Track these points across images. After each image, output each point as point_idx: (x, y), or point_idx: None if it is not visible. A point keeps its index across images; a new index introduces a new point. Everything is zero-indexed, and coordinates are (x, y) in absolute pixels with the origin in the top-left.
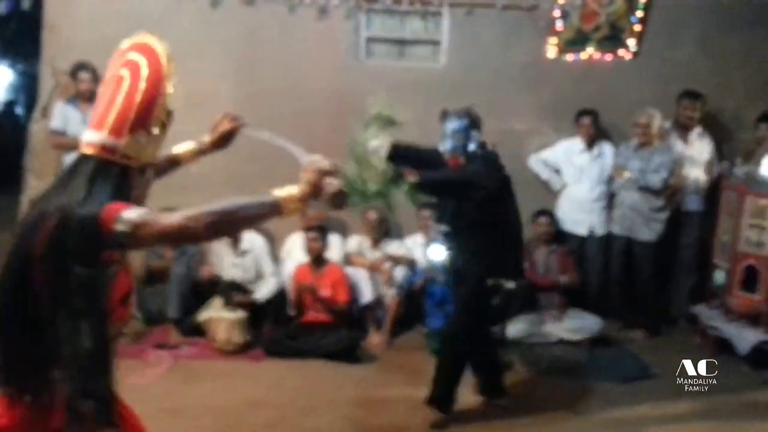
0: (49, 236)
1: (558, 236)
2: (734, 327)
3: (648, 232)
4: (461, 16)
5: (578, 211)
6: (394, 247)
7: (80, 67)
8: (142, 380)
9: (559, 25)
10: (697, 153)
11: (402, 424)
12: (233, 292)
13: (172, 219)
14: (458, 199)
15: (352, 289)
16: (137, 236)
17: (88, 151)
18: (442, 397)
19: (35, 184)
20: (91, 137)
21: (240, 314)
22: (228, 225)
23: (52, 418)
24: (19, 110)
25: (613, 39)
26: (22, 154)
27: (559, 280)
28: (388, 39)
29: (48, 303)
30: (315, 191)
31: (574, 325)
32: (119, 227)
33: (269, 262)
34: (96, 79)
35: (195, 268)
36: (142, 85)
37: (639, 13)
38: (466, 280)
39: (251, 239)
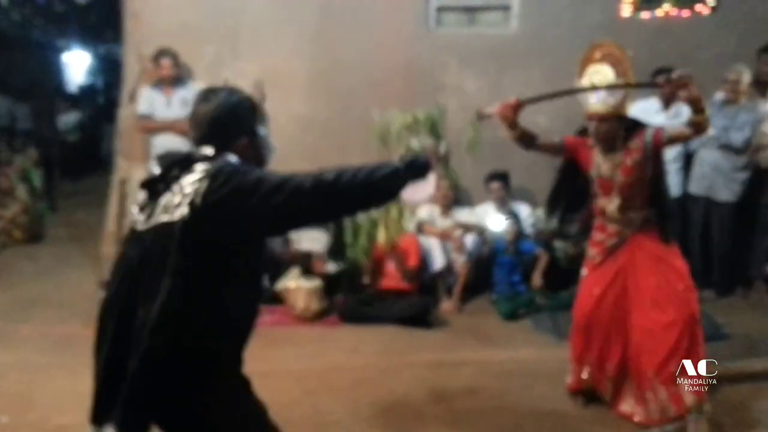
0: None
1: None
2: None
3: (727, 192)
4: None
5: None
6: (464, 215)
7: (162, 53)
8: None
9: None
10: None
11: (474, 384)
12: (310, 262)
13: None
14: None
15: (424, 257)
16: None
17: None
18: None
19: (125, 165)
20: None
21: (317, 283)
22: None
23: None
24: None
25: None
26: (101, 139)
27: None
28: (457, 7)
29: None
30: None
31: None
32: None
33: None
34: (177, 64)
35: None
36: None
37: None
38: None
39: None
